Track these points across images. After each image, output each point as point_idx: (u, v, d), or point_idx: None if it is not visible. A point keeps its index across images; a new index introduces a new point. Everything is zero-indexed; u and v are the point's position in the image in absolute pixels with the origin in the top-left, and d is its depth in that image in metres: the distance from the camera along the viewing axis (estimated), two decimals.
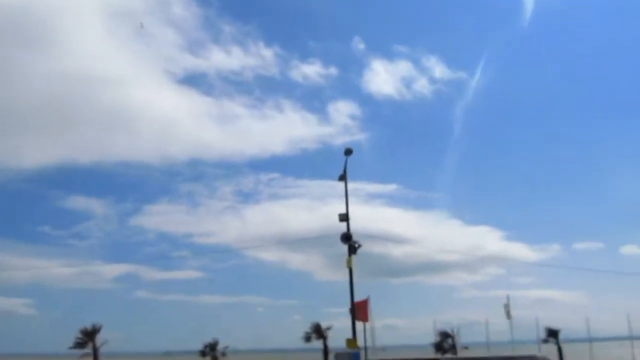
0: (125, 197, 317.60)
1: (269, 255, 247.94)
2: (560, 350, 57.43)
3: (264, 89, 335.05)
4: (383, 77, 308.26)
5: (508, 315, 39.38)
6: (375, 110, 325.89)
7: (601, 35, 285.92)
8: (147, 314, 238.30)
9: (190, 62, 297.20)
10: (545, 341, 57.81)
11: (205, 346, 56.38)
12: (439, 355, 49.92)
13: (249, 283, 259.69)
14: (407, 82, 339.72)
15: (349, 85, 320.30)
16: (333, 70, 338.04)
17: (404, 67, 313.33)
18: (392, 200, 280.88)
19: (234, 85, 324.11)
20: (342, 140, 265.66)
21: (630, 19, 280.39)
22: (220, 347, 56.30)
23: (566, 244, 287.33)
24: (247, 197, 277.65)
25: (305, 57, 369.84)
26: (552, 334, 58.84)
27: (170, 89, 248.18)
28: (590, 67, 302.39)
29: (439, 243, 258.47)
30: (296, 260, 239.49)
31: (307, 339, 55.69)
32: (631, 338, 54.28)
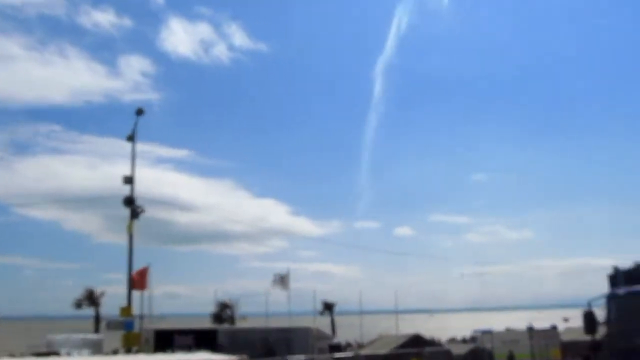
0: None
1: (43, 214, 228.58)
2: (333, 322, 60.72)
3: (47, 31, 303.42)
4: (181, 37, 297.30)
5: (283, 286, 40.05)
6: (170, 71, 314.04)
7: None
8: None
9: None
10: (321, 313, 60.78)
11: None
12: (215, 325, 49.74)
13: (16, 242, 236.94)
14: (206, 46, 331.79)
15: (143, 40, 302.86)
16: (127, 22, 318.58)
17: (204, 30, 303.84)
18: (181, 166, 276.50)
19: (11, 21, 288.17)
20: (132, 97, 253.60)
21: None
22: None
23: (347, 221, 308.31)
24: (22, 149, 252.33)
25: (97, 2, 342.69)
26: (328, 306, 62.08)
27: None
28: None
29: (225, 212, 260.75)
30: (73, 220, 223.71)
31: (78, 305, 52.26)
32: (397, 312, 59.17)
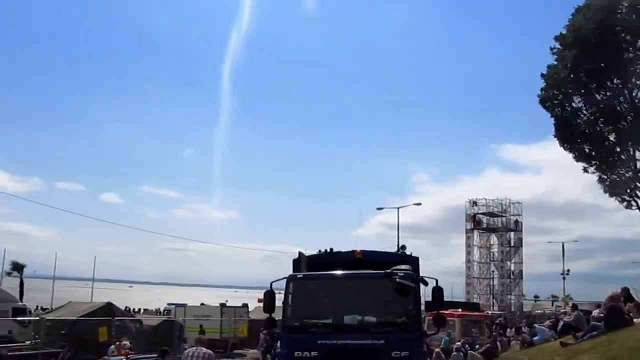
0: None
1: None
2: (22, 284, 56.24)
3: None
4: None
5: None
6: None
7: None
8: None
9: None
10: (9, 274, 56.05)
11: None
12: None
13: None
14: None
15: None
16: None
17: None
18: None
19: None
20: None
21: None
22: None
23: (49, 180, 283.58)
24: None
25: None
26: (18, 267, 57.33)
27: None
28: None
29: None
30: None
31: None
32: (93, 280, 56.83)
